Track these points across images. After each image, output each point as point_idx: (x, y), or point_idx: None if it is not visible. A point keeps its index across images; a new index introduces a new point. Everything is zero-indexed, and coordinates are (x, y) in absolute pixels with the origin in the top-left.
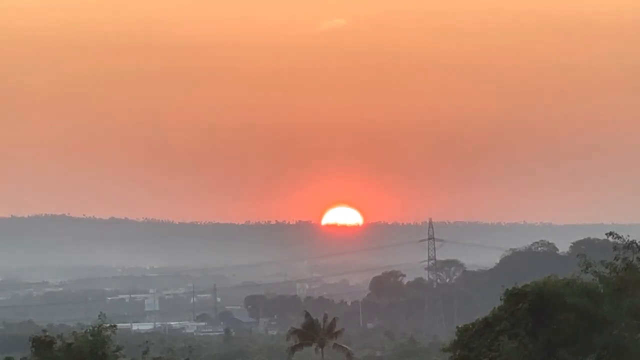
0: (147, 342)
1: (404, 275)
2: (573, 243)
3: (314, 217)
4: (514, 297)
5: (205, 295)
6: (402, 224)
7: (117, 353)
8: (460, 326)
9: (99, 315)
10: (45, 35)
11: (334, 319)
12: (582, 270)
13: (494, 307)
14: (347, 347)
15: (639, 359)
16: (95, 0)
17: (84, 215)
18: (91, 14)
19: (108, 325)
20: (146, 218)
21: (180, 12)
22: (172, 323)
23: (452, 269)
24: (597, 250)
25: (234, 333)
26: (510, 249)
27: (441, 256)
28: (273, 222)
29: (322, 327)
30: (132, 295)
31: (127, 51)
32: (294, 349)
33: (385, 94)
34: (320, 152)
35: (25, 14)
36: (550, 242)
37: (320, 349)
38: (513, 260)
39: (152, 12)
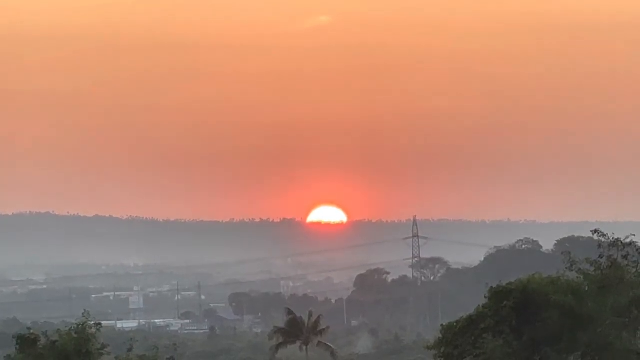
0: (131, 339)
1: (389, 273)
2: (557, 241)
3: (298, 215)
4: (498, 294)
5: (190, 293)
6: (387, 221)
7: (102, 351)
8: (444, 324)
9: (83, 313)
10: (36, 33)
11: (318, 316)
12: (566, 268)
13: (479, 305)
14: (331, 345)
15: (624, 356)
16: (87, 1)
17: (68, 212)
18: (83, 13)
19: (93, 322)
20: (131, 216)
21: (163, 12)
22: (156, 321)
23: (437, 266)
24: (582, 248)
25: (218, 331)
26: (495, 246)
27: (425, 254)
28: (257, 220)
29: (306, 324)
30: (117, 293)
31: (114, 51)
32: (278, 347)
33: (370, 92)
34: (305, 150)
35: (20, 14)
36: (534, 239)
37: (305, 347)
38: (497, 258)
39: (139, 13)
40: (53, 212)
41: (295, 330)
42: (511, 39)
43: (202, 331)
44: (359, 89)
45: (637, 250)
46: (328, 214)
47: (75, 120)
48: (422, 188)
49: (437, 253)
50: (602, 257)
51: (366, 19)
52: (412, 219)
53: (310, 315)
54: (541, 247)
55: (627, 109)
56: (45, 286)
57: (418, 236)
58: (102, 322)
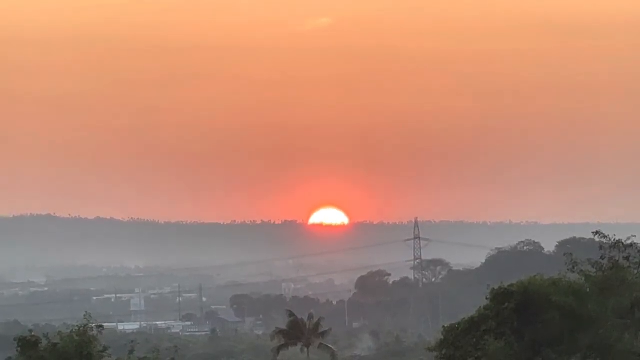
0: (132, 342)
1: (390, 275)
2: (559, 242)
3: (300, 217)
4: (499, 296)
5: (191, 295)
6: (388, 223)
7: (103, 353)
8: (446, 325)
9: (85, 315)
10: (36, 36)
11: (319, 318)
12: (568, 269)
13: (480, 307)
14: (332, 347)
15: (625, 358)
16: (88, 2)
17: (69, 215)
18: (85, 15)
19: (94, 325)
20: (132, 218)
21: (164, 14)
22: (157, 323)
23: (438, 268)
24: (583, 250)
25: (219, 333)
26: (496, 248)
27: (427, 255)
28: (259, 222)
29: (307, 326)
30: (118, 295)
31: (115, 53)
32: (279, 349)
33: (371, 94)
34: (306, 152)
35: (21, 16)
36: (536, 241)
37: (306, 349)
38: (499, 259)
39: (139, 14)
40: (54, 214)
41: (296, 332)
42: (511, 40)
43: (203, 333)
44: (359, 91)
45: (638, 251)
46: (329, 216)
47: (75, 122)
48: (423, 190)
49: (438, 255)
50: (603, 259)
51: (366, 21)
52: (413, 220)
53: (311, 317)
54: (543, 248)
55: (629, 109)
56: (46, 288)
57: (419, 238)
58: (103, 324)
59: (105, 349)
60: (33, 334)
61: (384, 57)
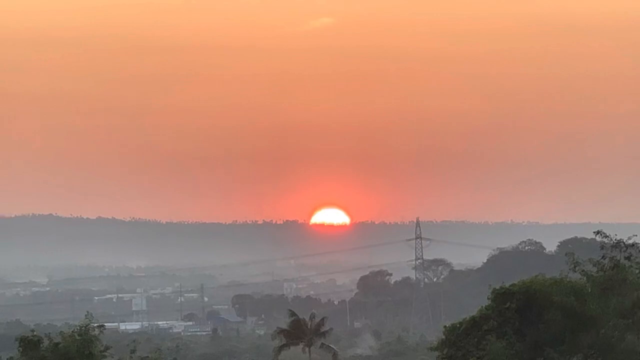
0: (134, 341)
1: (391, 275)
2: (560, 242)
3: (301, 217)
4: (501, 296)
5: (193, 295)
6: (390, 223)
7: (105, 353)
8: (447, 325)
9: (86, 315)
10: (33, 35)
11: (322, 318)
12: (570, 269)
13: (482, 306)
14: (333, 346)
15: (626, 358)
16: (88, 2)
17: (71, 215)
18: (83, 15)
19: (96, 324)
20: (133, 218)
21: (165, 14)
22: (159, 322)
23: (440, 268)
24: (585, 250)
25: (221, 332)
26: (498, 248)
27: (428, 255)
28: (260, 222)
29: (309, 326)
30: (120, 295)
31: (116, 53)
32: (280, 348)
33: (372, 94)
34: (308, 152)
35: (19, 16)
36: (537, 241)
37: (307, 349)
38: (500, 259)
39: (139, 15)
40: (55, 214)
41: (298, 331)
42: (512, 41)
43: (204, 333)
44: (361, 91)
45: (639, 251)
46: (331, 216)
47: (77, 123)
48: (425, 189)
49: (440, 254)
50: (605, 258)
51: (368, 21)
52: (415, 220)
53: (313, 316)
54: (544, 248)
55: (630, 110)
56: (48, 288)
57: (421, 237)
58: (105, 324)
59: (106, 348)
60: (35, 333)
61: (385, 57)
